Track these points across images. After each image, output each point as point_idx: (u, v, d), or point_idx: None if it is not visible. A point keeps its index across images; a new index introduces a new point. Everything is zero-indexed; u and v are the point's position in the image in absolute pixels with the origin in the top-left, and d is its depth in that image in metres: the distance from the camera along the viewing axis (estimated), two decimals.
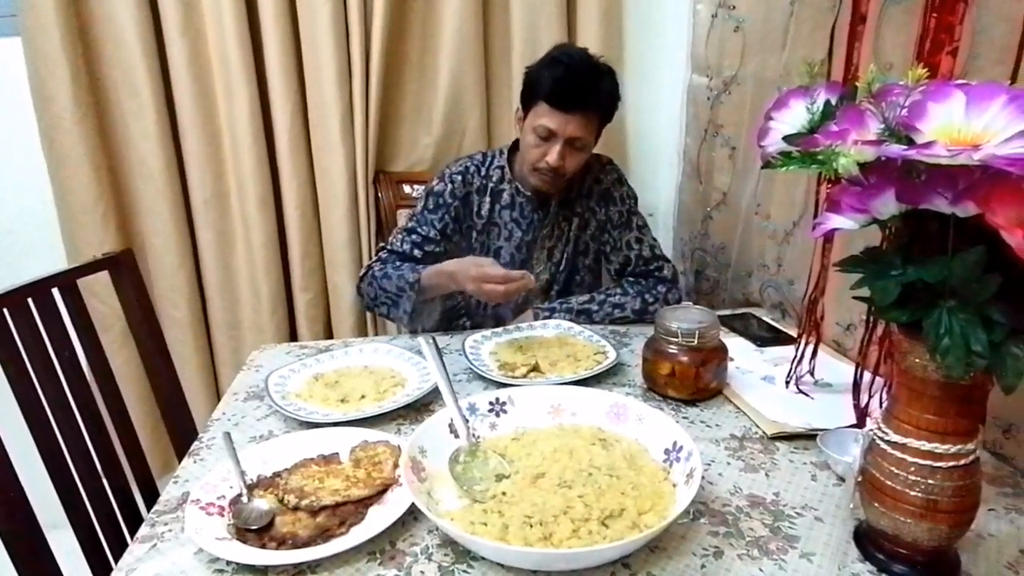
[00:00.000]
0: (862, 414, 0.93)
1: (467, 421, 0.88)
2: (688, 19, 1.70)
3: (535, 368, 1.14)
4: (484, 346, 1.25)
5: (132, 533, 1.09)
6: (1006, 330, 0.55)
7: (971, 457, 0.63)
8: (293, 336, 1.87)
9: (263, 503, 0.78)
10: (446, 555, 0.72)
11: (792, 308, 1.39)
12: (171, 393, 1.30)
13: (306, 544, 0.72)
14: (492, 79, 1.82)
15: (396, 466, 0.83)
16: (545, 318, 1.36)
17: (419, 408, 1.04)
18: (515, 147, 1.48)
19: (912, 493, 0.64)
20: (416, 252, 1.41)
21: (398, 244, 1.43)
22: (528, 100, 1.35)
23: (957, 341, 0.56)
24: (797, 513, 0.78)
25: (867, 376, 0.93)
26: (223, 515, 0.77)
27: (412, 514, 0.76)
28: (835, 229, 0.64)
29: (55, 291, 1.10)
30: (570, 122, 1.31)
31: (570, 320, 1.35)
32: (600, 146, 1.44)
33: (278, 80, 1.66)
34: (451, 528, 0.69)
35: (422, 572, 0.70)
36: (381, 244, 1.49)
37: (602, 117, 1.37)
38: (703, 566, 0.70)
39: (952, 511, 0.63)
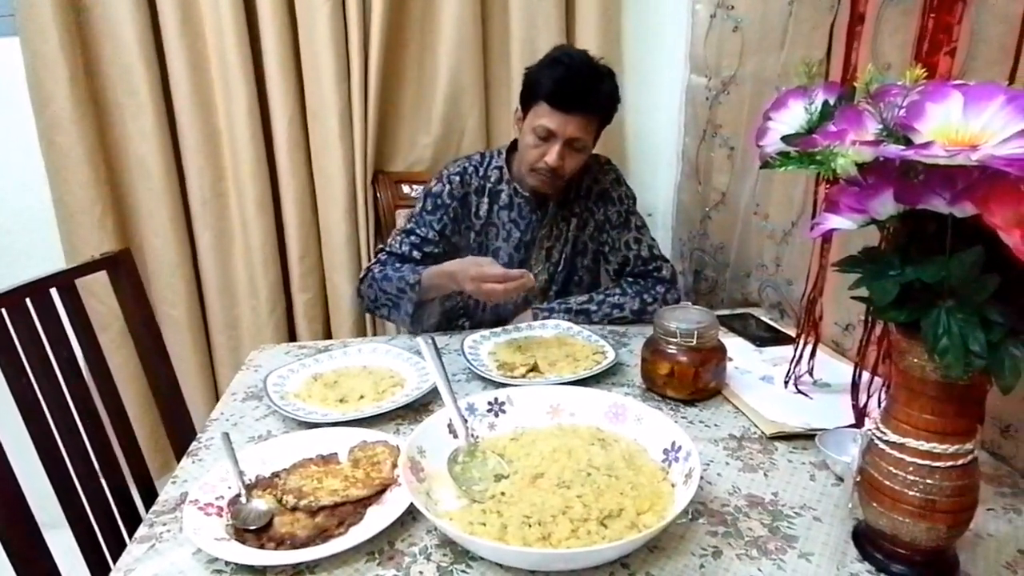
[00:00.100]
0: (860, 414, 0.93)
1: (466, 421, 0.88)
2: (687, 19, 1.70)
3: (534, 368, 1.14)
4: (483, 346, 1.25)
5: (130, 533, 1.09)
6: (1004, 330, 0.55)
7: (969, 457, 0.63)
8: (292, 336, 1.87)
9: (262, 503, 0.78)
10: (445, 555, 0.72)
11: (791, 308, 1.39)
12: (169, 393, 1.30)
13: (305, 544, 0.72)
14: (491, 79, 1.82)
15: (395, 466, 0.83)
16: (544, 318, 1.37)
17: (418, 408, 1.04)
18: (513, 147, 1.48)
19: (910, 493, 0.64)
20: (415, 253, 1.41)
21: (397, 246, 1.43)
22: (528, 100, 1.35)
23: (955, 341, 0.56)
24: (796, 513, 0.78)
25: (865, 376, 0.93)
26: (222, 515, 0.77)
27: (411, 514, 0.76)
28: (833, 229, 0.64)
29: (53, 291, 1.10)
30: (570, 123, 1.31)
31: (569, 320, 1.35)
32: (599, 146, 1.44)
33: (277, 80, 1.66)
34: (450, 528, 0.69)
35: (421, 572, 0.70)
36: (380, 246, 1.49)
37: (601, 119, 1.37)
38: (702, 566, 0.70)
39: (950, 511, 0.63)
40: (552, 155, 1.32)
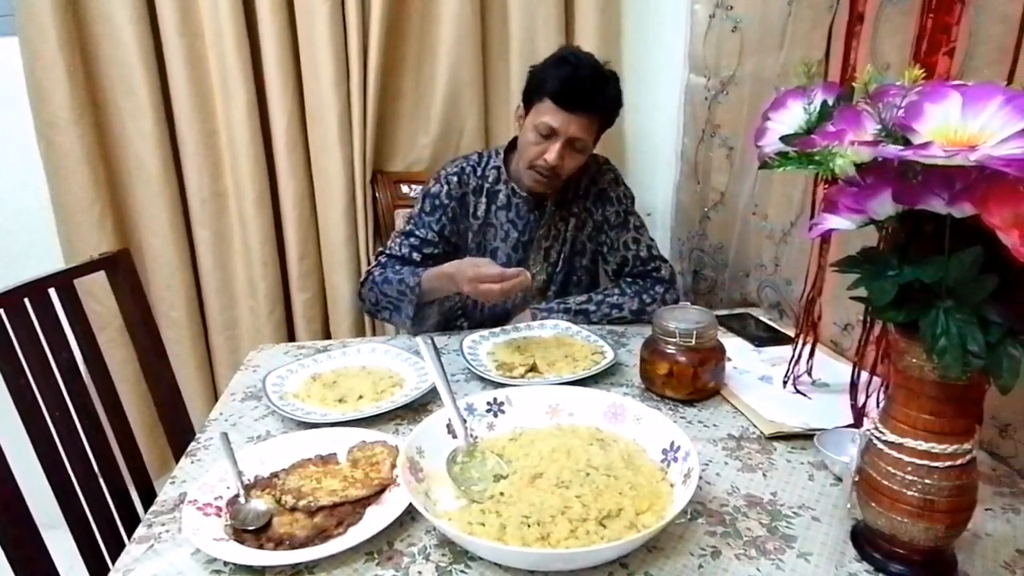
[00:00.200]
0: (859, 414, 0.93)
1: (465, 421, 0.88)
2: (686, 19, 1.70)
3: (533, 368, 1.14)
4: (482, 346, 1.25)
5: (129, 533, 1.09)
6: (1003, 330, 0.55)
7: (968, 457, 0.63)
8: (291, 336, 1.87)
9: (260, 503, 0.78)
10: (444, 555, 0.72)
11: (790, 308, 1.39)
12: (168, 393, 1.30)
13: (303, 544, 0.72)
14: (490, 79, 1.81)
15: (394, 466, 0.83)
16: (543, 318, 1.37)
17: (417, 408, 1.04)
18: (512, 147, 1.48)
19: (909, 493, 0.64)
20: (415, 255, 1.41)
21: (397, 248, 1.43)
22: (531, 97, 1.35)
23: (954, 341, 0.56)
24: (794, 513, 0.78)
25: (864, 376, 0.93)
26: (220, 516, 0.77)
27: (410, 514, 0.76)
28: (832, 229, 0.65)
29: (52, 291, 1.10)
30: (573, 122, 1.31)
31: (568, 320, 1.35)
32: (598, 146, 1.44)
33: (276, 79, 1.65)
34: (449, 528, 0.69)
35: (420, 572, 0.70)
36: (380, 249, 1.49)
37: (603, 121, 1.38)
38: (700, 566, 0.70)
39: (949, 511, 0.63)
40: (552, 153, 1.32)
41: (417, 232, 1.43)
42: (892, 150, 0.54)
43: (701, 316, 1.05)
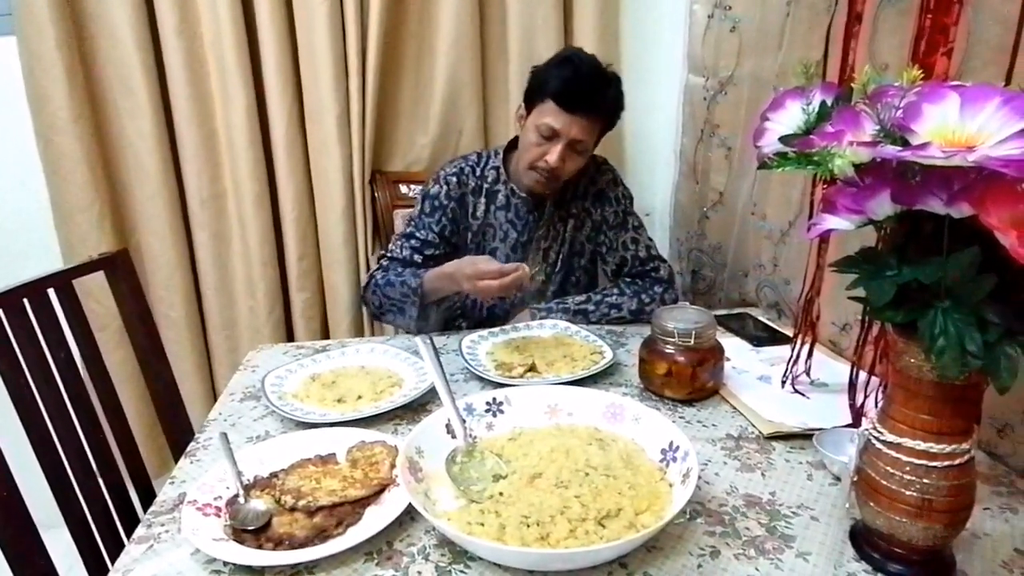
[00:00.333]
0: (858, 414, 0.93)
1: (464, 421, 0.88)
2: (684, 19, 1.71)
3: (532, 368, 1.15)
4: (481, 346, 1.25)
5: (128, 534, 1.09)
6: (1001, 330, 0.55)
7: (966, 457, 0.63)
8: (290, 336, 1.87)
9: (260, 504, 0.78)
10: (443, 555, 0.72)
11: (788, 308, 1.40)
12: (167, 393, 1.30)
13: (303, 545, 0.72)
14: (489, 79, 1.81)
15: (393, 466, 0.83)
16: (542, 318, 1.37)
17: (416, 408, 1.04)
18: (511, 147, 1.48)
19: (907, 493, 0.64)
20: (416, 257, 1.41)
21: (398, 251, 1.43)
22: (533, 98, 1.35)
23: (952, 341, 0.56)
24: (793, 513, 0.79)
25: (863, 376, 0.93)
26: (220, 516, 0.77)
27: (409, 514, 0.76)
28: (831, 230, 0.65)
29: (51, 291, 1.10)
30: (574, 123, 1.31)
31: (567, 320, 1.35)
32: (597, 146, 1.44)
33: (274, 80, 1.65)
34: (448, 528, 0.69)
35: (419, 572, 0.70)
36: (381, 252, 1.49)
37: (604, 124, 1.38)
38: (700, 566, 0.70)
39: (947, 510, 0.63)
40: (553, 155, 1.32)
41: (418, 234, 1.43)
42: (891, 151, 0.54)
43: (700, 316, 1.06)
